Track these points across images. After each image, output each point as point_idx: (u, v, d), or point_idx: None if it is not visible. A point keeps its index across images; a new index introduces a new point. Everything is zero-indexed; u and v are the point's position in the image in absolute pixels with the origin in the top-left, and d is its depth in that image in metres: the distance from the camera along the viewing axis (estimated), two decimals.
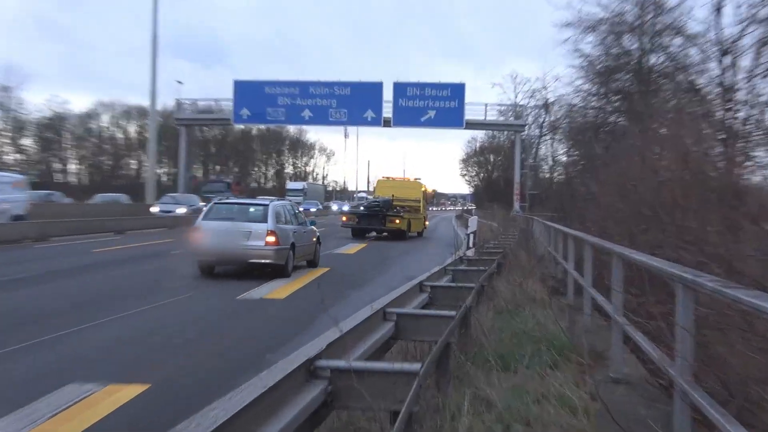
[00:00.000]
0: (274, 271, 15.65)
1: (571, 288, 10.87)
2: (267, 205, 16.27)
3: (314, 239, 18.56)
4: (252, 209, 16.25)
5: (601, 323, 8.74)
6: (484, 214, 49.65)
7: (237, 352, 8.06)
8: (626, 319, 6.18)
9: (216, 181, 68.86)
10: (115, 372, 6.93)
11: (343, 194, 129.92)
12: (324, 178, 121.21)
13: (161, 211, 39.34)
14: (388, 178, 38.92)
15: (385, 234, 32.50)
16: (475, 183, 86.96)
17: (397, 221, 32.57)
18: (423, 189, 37.02)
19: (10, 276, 14.36)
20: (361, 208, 33.78)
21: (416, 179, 38.51)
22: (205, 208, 16.81)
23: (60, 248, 21.83)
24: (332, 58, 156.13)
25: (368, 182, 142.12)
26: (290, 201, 19.14)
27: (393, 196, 34.22)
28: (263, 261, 15.45)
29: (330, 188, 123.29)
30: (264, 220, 15.79)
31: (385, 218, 32.40)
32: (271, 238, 15.51)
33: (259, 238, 15.47)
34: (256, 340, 8.82)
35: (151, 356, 7.73)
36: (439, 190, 52.41)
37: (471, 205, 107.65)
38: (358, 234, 32.86)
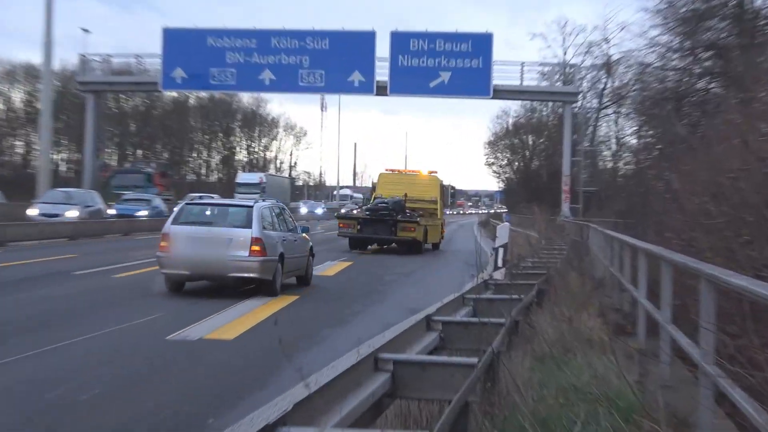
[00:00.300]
0: (259, 288, 17.94)
1: (642, 325, 10.93)
2: (251, 206, 18.34)
3: (307, 250, 20.98)
4: (233, 211, 18.54)
5: (684, 375, 8.76)
6: (519, 219, 49.77)
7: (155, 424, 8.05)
8: (720, 370, 6.20)
9: (130, 171, 68.53)
10: None
11: (318, 191, 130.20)
12: (291, 168, 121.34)
13: (42, 214, 38.36)
14: (393, 170, 41.51)
15: (390, 245, 35.87)
16: (507, 175, 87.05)
17: (413, 229, 34.84)
18: (440, 185, 40.05)
19: None
20: (366, 212, 35.95)
21: (431, 173, 40.88)
22: (175, 210, 19.02)
23: None
24: (304, 0, 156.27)
25: (354, 174, 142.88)
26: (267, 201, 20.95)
27: (406, 195, 37.10)
28: (247, 275, 17.65)
29: (299, 182, 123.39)
30: (248, 224, 17.90)
31: (396, 225, 34.89)
32: (257, 247, 17.61)
33: (242, 248, 17.64)
34: (188, 403, 8.82)
35: None
36: (457, 187, 53.11)
37: (500, 207, 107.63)
38: (358, 245, 35.39)
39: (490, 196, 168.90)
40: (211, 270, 17.66)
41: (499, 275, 17.28)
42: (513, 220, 42.05)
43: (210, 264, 17.54)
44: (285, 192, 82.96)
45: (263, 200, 20.22)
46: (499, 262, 19.13)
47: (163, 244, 17.80)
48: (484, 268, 18.58)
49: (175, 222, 18.11)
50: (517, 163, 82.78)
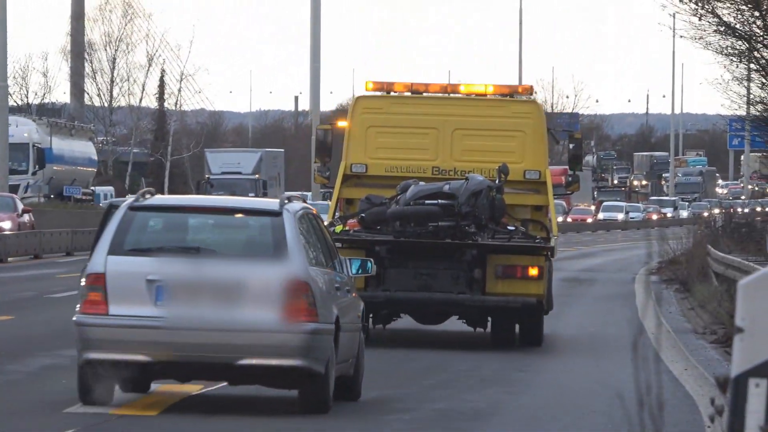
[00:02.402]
0: (302, 402, 10.93)
1: None
2: (278, 212, 11.01)
3: (359, 313, 12.72)
4: (241, 223, 11.77)
5: None
6: None
7: None
8: None
9: None
10: None
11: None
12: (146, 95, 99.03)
13: None
14: (401, 89, 20.25)
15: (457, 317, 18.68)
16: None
17: (530, 271, 18.08)
18: (545, 133, 19.51)
19: None
20: (394, 219, 18.43)
21: (522, 91, 21.25)
22: (111, 224, 11.00)
23: None
24: None
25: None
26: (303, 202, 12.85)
27: (436, 170, 19.25)
28: (276, 363, 10.53)
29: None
30: (276, 251, 10.84)
31: (483, 261, 17.95)
32: (301, 302, 10.56)
33: (267, 302, 10.60)
34: None
35: None
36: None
37: (732, 199, 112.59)
38: (374, 310, 17.78)
39: (699, 166, 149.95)
40: (201, 353, 10.36)
41: None
42: None
43: (199, 341, 10.34)
44: (279, 169, 78.22)
45: (288, 200, 11.56)
46: None
47: (90, 297, 10.32)
48: None
49: (116, 249, 10.51)
50: None
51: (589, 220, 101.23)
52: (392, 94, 20.16)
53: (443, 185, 18.22)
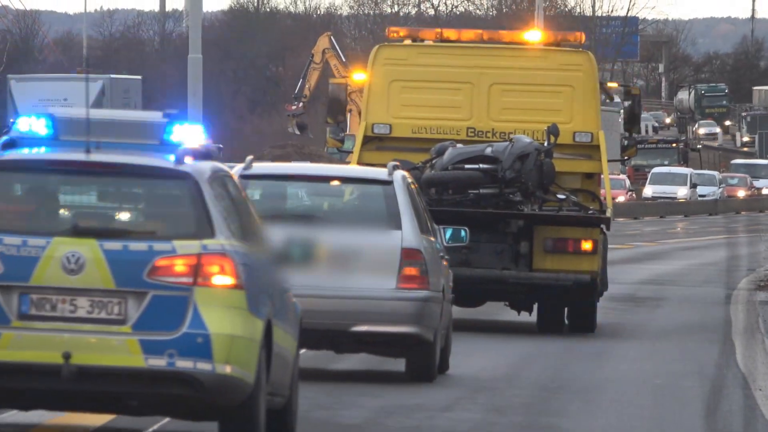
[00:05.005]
0: (410, 370, 11.76)
1: None
2: (388, 180, 11.54)
3: (451, 284, 13.04)
4: (352, 191, 12.00)
5: None
6: None
7: None
8: None
9: None
10: None
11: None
12: None
13: None
14: (440, 33, 18.98)
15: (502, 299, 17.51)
16: None
17: (584, 245, 16.81)
18: (598, 90, 17.66)
19: None
20: (429, 185, 17.03)
21: (570, 38, 19.50)
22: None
23: None
24: None
25: None
26: None
27: (472, 131, 17.65)
28: (390, 330, 11.11)
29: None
30: (390, 220, 11.25)
31: (531, 234, 16.87)
32: (414, 270, 11.06)
33: (383, 270, 11.05)
34: None
35: None
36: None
37: None
38: None
39: None
40: (316, 320, 10.06)
41: None
42: None
43: (314, 308, 10.07)
44: (135, 107, 50.52)
45: (393, 165, 12.10)
46: None
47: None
48: None
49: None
50: None
51: (622, 199, 62.75)
52: (419, 42, 18.73)
53: (485, 147, 17.09)
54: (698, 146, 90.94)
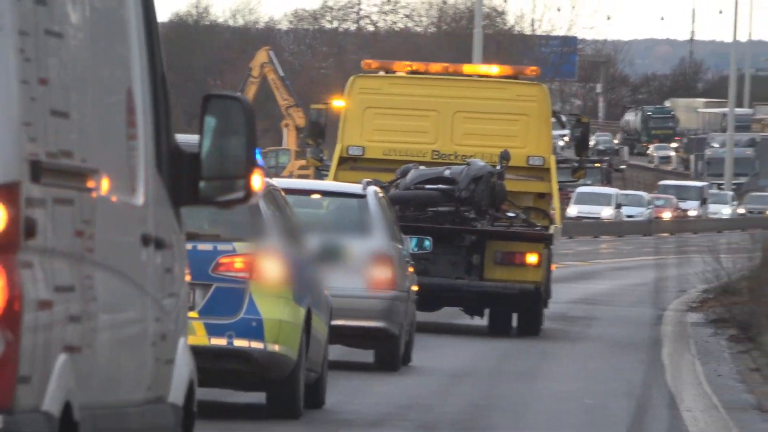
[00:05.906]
0: (378, 360, 13.64)
1: None
2: (362, 194, 12.93)
3: (414, 287, 14.66)
4: (332, 204, 13.12)
5: None
6: None
7: None
8: None
9: None
10: None
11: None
12: None
13: None
14: (399, 69, 19.99)
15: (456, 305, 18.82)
16: None
17: (530, 258, 17.88)
18: (549, 116, 19.36)
19: None
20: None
21: (529, 72, 20.71)
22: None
23: None
24: None
25: None
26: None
27: (437, 153, 18.95)
28: (360, 324, 12.73)
29: None
30: (363, 229, 12.54)
31: (482, 247, 17.79)
32: (384, 273, 12.59)
33: (358, 271, 12.66)
34: None
35: None
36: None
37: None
38: None
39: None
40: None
41: None
42: None
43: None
44: None
45: (366, 182, 14.05)
46: None
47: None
48: None
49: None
50: None
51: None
52: (391, 74, 20.20)
53: (444, 170, 18.59)
54: (621, 167, 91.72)
